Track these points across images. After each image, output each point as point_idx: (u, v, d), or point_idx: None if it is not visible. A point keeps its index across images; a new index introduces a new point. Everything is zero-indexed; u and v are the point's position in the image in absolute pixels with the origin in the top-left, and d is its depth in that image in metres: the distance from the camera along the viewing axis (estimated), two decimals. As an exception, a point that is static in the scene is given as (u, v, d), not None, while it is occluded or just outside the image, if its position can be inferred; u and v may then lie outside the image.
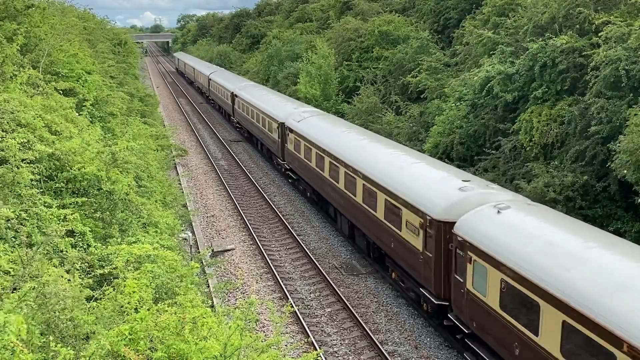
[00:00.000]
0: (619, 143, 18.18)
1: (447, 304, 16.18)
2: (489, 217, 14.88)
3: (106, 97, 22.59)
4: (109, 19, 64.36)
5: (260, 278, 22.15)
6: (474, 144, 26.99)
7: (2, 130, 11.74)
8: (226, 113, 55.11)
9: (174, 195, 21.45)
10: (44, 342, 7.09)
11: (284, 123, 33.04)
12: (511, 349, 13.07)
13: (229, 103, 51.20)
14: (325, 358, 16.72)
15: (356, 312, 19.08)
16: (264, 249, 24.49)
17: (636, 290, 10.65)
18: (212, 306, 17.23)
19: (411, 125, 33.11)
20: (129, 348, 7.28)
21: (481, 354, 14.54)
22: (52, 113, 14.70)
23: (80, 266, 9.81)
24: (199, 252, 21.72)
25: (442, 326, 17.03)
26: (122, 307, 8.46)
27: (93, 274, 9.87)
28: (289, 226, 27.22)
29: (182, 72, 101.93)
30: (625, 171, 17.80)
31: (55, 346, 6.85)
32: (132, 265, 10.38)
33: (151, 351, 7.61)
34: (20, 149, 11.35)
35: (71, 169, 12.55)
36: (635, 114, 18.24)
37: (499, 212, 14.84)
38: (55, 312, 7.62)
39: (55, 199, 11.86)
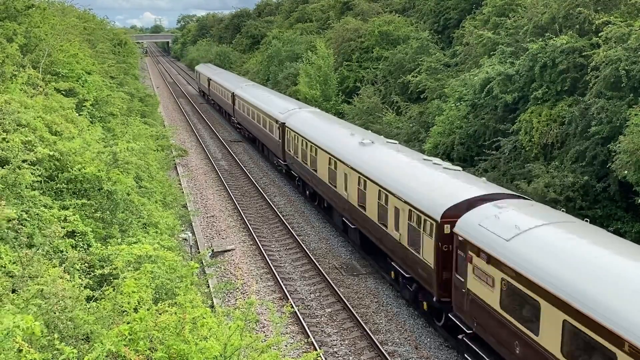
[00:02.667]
0: (619, 143, 18.18)
1: None
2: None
3: (106, 97, 22.60)
4: (109, 19, 64.31)
5: (260, 278, 22.14)
6: (474, 144, 26.99)
7: (4, 131, 11.74)
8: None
9: (174, 196, 21.45)
10: (48, 340, 7.10)
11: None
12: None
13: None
14: (325, 358, 16.72)
15: (356, 313, 19.08)
16: (264, 249, 24.49)
17: None
18: (212, 306, 17.22)
19: (411, 125, 33.12)
20: (128, 348, 7.28)
21: None
22: (52, 113, 14.70)
23: (80, 267, 9.81)
24: (199, 253, 21.71)
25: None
26: (122, 307, 8.46)
27: (93, 274, 9.86)
28: (289, 226, 27.22)
29: (218, 106, 60.94)
30: (625, 172, 17.80)
31: (60, 344, 6.86)
32: (132, 265, 10.38)
33: (151, 351, 7.62)
34: (21, 150, 11.35)
35: (72, 169, 12.55)
36: (635, 114, 18.24)
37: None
38: (54, 312, 7.63)
39: (56, 199, 11.86)
